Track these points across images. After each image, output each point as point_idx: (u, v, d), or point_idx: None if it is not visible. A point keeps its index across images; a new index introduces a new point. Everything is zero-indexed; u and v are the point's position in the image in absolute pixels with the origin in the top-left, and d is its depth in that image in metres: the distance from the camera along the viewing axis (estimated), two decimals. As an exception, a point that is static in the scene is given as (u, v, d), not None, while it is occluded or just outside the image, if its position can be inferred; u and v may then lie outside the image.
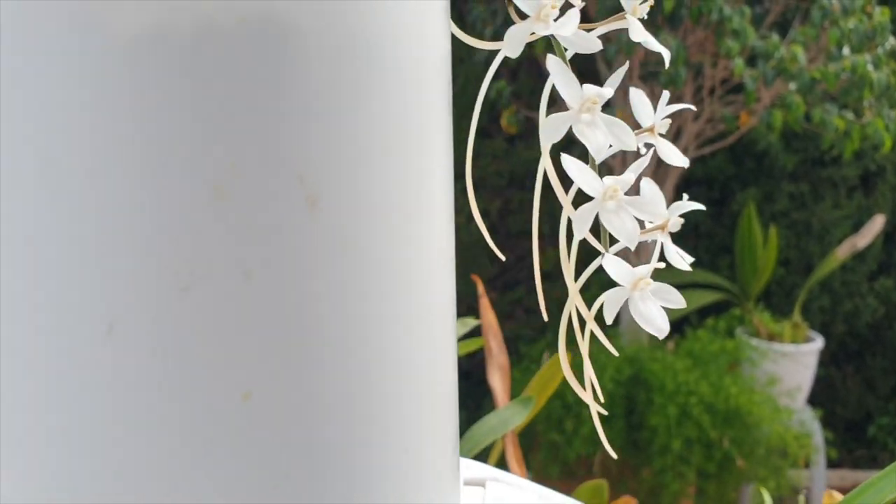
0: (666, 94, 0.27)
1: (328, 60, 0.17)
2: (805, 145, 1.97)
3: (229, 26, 0.16)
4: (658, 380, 1.73)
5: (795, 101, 1.50)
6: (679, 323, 1.90)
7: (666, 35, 1.45)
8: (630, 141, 0.25)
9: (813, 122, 1.56)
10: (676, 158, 0.27)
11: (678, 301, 0.26)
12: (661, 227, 0.27)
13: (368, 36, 0.18)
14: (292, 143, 0.17)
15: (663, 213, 0.25)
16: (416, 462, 0.20)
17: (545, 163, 0.27)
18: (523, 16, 0.24)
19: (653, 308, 0.25)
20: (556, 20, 0.23)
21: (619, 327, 1.81)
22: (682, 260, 0.27)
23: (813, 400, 1.89)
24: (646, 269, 0.25)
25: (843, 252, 1.88)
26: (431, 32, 0.20)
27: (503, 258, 0.28)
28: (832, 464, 1.95)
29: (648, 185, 0.28)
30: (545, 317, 0.29)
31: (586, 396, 0.29)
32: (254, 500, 0.18)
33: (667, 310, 0.27)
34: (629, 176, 0.25)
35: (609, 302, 0.25)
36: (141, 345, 0.17)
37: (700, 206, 0.29)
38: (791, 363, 1.84)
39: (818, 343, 1.83)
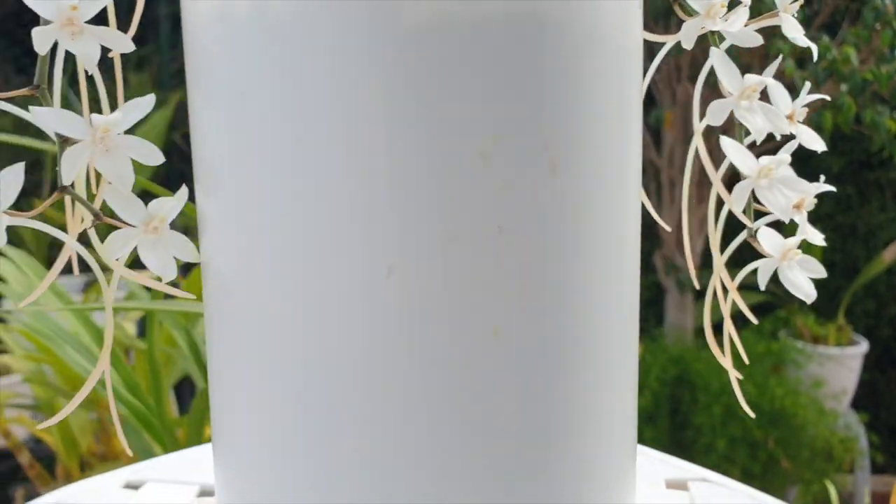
0: (808, 85, 0.30)
1: (569, 48, 0.20)
2: (851, 147, 1.96)
3: (499, 20, 0.19)
4: (703, 379, 1.74)
5: (846, 103, 1.50)
6: (722, 323, 1.90)
7: (715, 36, 1.46)
8: (783, 125, 0.27)
9: (864, 123, 1.56)
10: (816, 144, 0.30)
11: (819, 271, 0.29)
12: (799, 206, 0.30)
13: (596, 26, 0.21)
14: (541, 116, 0.20)
15: (810, 190, 0.28)
16: (621, 411, 0.23)
17: (697, 142, 0.30)
18: (689, 12, 0.27)
19: (800, 276, 0.28)
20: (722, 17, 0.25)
21: (663, 327, 1.82)
22: (817, 236, 0.30)
23: (857, 404, 1.89)
24: (794, 241, 0.28)
25: (889, 256, 1.88)
26: (633, 23, 0.23)
27: (668, 229, 0.30)
28: (877, 469, 1.94)
29: (786, 169, 0.30)
30: (696, 285, 0.32)
31: (726, 362, 0.31)
32: (497, 422, 0.21)
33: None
34: (784, 156, 0.27)
35: (762, 270, 0.28)
36: (415, 285, 0.20)
37: (832, 189, 0.31)
38: (836, 366, 1.84)
39: (863, 347, 1.83)
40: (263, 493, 0.23)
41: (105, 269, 0.24)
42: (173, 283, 0.87)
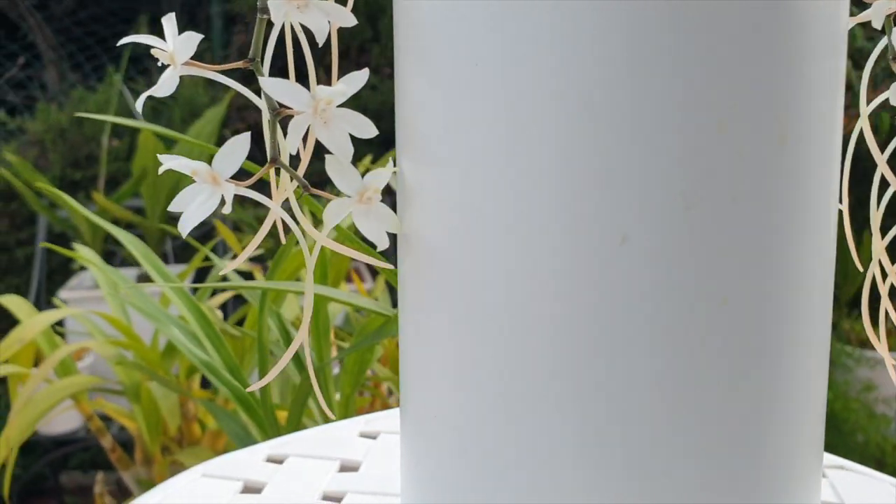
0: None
1: (798, 26, 0.20)
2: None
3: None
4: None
5: (906, 104, 1.49)
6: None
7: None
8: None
9: (923, 125, 1.54)
10: None
11: None
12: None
13: (819, 5, 0.21)
14: (774, 91, 0.20)
15: None
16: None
17: (863, 123, 0.30)
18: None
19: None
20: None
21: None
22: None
23: (905, 410, 1.86)
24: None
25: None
26: (844, 2, 0.23)
27: (840, 207, 0.31)
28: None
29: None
30: (860, 268, 0.32)
31: (882, 349, 0.31)
32: (720, 387, 0.21)
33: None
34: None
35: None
36: (649, 253, 0.20)
37: None
38: (884, 371, 1.81)
39: (915, 351, 1.80)
40: (459, 481, 0.24)
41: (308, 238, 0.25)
42: (266, 266, 0.88)
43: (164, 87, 0.24)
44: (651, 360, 0.21)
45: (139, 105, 0.24)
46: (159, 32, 0.25)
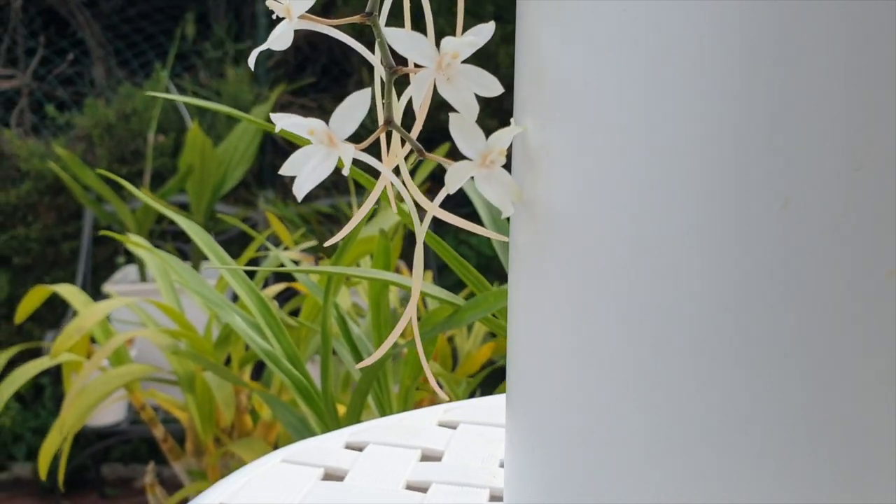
0: None
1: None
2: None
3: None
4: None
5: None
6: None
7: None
8: None
9: None
10: None
11: None
12: None
13: None
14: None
15: None
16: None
17: None
18: None
19: None
20: None
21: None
22: None
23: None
24: None
25: None
26: None
27: None
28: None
29: None
30: None
31: None
32: (880, 368, 0.19)
33: None
34: None
35: None
36: (812, 220, 0.19)
37: None
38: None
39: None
40: (583, 463, 0.22)
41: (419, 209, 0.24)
42: (317, 257, 0.87)
43: (280, 40, 0.23)
44: (807, 339, 0.19)
45: (251, 61, 0.23)
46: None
